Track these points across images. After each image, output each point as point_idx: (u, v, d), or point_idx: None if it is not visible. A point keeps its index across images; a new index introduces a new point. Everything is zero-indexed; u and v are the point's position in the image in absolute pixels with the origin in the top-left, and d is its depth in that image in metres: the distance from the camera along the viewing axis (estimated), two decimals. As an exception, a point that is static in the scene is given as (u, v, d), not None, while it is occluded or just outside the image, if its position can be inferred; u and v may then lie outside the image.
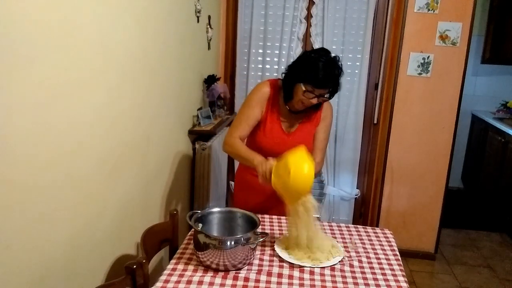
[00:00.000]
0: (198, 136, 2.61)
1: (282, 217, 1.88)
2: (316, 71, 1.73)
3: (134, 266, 1.35)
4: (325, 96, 1.79)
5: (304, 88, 1.75)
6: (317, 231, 1.62)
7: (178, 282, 1.38)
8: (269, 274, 1.44)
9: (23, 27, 1.06)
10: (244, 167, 2.00)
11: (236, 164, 3.57)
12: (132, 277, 1.36)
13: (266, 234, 1.54)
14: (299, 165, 1.54)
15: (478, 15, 4.23)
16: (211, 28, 2.84)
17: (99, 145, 1.50)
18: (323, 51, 1.79)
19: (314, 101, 1.78)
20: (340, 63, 1.79)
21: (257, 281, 1.40)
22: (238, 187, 2.08)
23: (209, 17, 2.81)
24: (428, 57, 2.93)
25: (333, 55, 1.79)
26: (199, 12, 2.55)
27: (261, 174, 1.66)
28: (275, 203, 1.92)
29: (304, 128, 1.92)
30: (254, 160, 1.73)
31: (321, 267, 1.49)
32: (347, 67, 3.27)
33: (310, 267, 1.49)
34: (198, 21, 2.58)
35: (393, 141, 3.11)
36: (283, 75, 1.88)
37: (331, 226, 1.84)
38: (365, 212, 3.43)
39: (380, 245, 1.70)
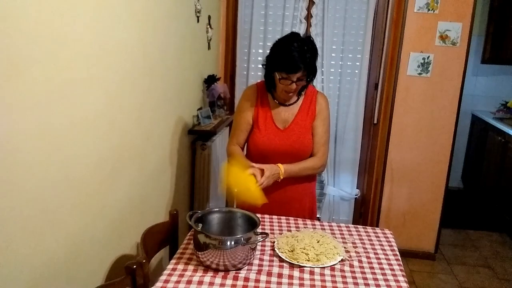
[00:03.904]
0: (198, 136, 2.61)
1: (282, 217, 1.88)
2: (285, 57, 1.74)
3: (134, 266, 1.35)
4: (303, 80, 1.79)
5: (279, 76, 1.78)
6: (324, 236, 1.63)
7: (178, 282, 1.38)
8: (269, 274, 1.44)
9: (23, 27, 1.06)
10: None
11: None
12: (132, 277, 1.36)
13: (266, 234, 1.54)
14: (239, 187, 1.68)
15: (478, 15, 4.23)
16: (211, 28, 2.84)
17: (99, 145, 1.50)
18: (293, 36, 1.80)
19: (293, 86, 1.78)
20: (312, 44, 1.79)
21: (257, 281, 1.40)
22: None
23: (209, 17, 2.81)
24: (428, 57, 2.93)
25: (305, 36, 1.82)
26: (199, 12, 2.55)
27: None
28: (279, 205, 1.93)
29: (299, 123, 1.92)
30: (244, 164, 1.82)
31: (321, 267, 1.49)
32: (347, 67, 3.27)
33: (310, 267, 1.49)
34: (198, 21, 2.58)
35: (393, 141, 3.11)
36: (263, 66, 1.91)
37: (331, 226, 1.84)
38: (365, 212, 3.43)
39: (380, 245, 1.70)
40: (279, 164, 1.83)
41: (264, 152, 1.90)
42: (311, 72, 1.80)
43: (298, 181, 1.95)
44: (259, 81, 2.02)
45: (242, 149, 2.00)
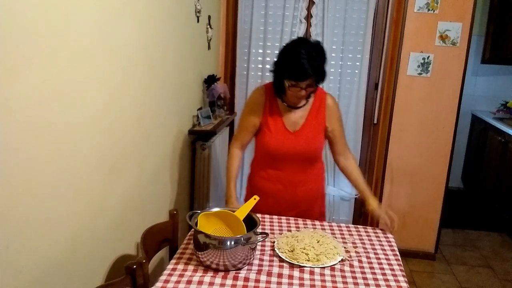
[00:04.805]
0: (198, 136, 2.61)
1: (282, 217, 1.88)
2: (294, 65, 1.71)
3: (134, 266, 1.35)
4: (312, 86, 1.78)
5: (288, 84, 1.77)
6: (324, 236, 1.63)
7: (178, 282, 1.38)
8: (269, 274, 1.44)
9: (23, 27, 1.06)
10: (255, 172, 2.02)
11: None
12: (132, 277, 1.36)
13: (266, 234, 1.54)
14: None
15: (478, 15, 4.23)
16: (211, 28, 2.84)
17: (99, 145, 1.50)
18: (301, 42, 1.77)
19: (303, 93, 1.78)
20: (320, 49, 1.76)
21: (257, 281, 1.40)
22: (250, 192, 2.06)
23: (209, 17, 2.81)
24: (428, 57, 2.93)
25: (314, 41, 1.79)
26: (199, 12, 2.55)
27: None
28: (287, 207, 1.93)
29: (309, 125, 1.91)
30: (227, 190, 1.93)
31: (321, 267, 1.49)
32: (347, 67, 3.27)
33: (310, 267, 1.49)
34: (198, 21, 2.58)
35: (393, 141, 3.11)
36: (271, 72, 1.89)
37: (331, 226, 1.84)
38: (365, 212, 3.43)
39: (380, 245, 1.70)
40: (370, 201, 1.89)
41: (274, 154, 1.90)
42: (320, 78, 1.78)
43: (308, 183, 1.96)
44: (267, 82, 2.01)
45: (244, 148, 2.01)
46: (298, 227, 1.80)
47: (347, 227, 1.84)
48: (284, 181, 1.93)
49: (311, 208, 1.99)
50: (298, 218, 1.88)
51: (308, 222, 1.85)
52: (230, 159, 1.99)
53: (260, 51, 3.33)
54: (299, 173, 1.93)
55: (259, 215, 1.69)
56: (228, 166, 1.99)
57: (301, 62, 1.69)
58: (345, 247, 1.64)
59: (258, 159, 2.01)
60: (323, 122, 1.92)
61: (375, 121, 3.27)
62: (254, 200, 1.63)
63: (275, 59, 1.85)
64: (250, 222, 1.56)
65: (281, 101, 1.90)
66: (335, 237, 1.72)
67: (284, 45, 1.83)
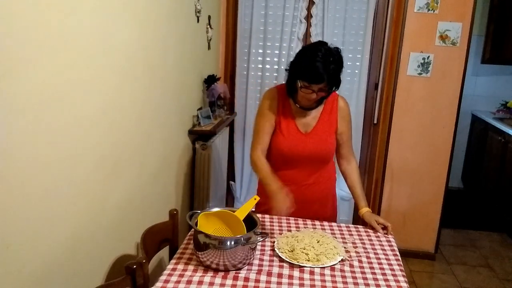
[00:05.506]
0: (198, 136, 2.61)
1: (282, 217, 1.88)
2: (309, 66, 1.72)
3: (134, 266, 1.35)
4: (324, 91, 1.77)
5: (300, 84, 1.76)
6: (324, 236, 1.63)
7: (178, 282, 1.38)
8: (269, 274, 1.44)
9: (23, 28, 1.06)
10: None
11: (237, 164, 3.57)
12: (132, 277, 1.36)
13: (266, 234, 1.54)
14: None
15: (478, 15, 4.23)
16: (211, 28, 2.84)
17: (99, 145, 1.50)
18: (320, 45, 1.76)
19: (313, 96, 1.77)
20: (338, 55, 1.77)
21: (257, 281, 1.40)
22: (261, 193, 2.04)
23: (209, 17, 2.81)
24: (428, 57, 2.93)
25: (332, 46, 1.77)
26: (199, 12, 2.55)
27: (275, 206, 1.69)
28: (299, 207, 1.92)
29: (321, 127, 1.91)
30: (270, 186, 1.76)
31: (321, 267, 1.49)
32: (347, 67, 3.28)
33: (310, 267, 1.49)
34: (198, 21, 2.58)
35: (393, 141, 3.11)
36: (286, 71, 1.88)
37: (331, 226, 1.84)
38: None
39: (380, 245, 1.70)
40: (362, 209, 1.90)
41: (286, 155, 1.90)
42: (333, 84, 1.77)
43: (319, 184, 1.97)
44: (278, 84, 2.00)
45: (265, 154, 1.94)
46: (298, 227, 1.81)
47: (347, 227, 1.84)
48: (295, 182, 1.93)
49: (322, 209, 1.98)
50: (298, 218, 1.88)
51: (308, 222, 1.86)
52: (258, 161, 1.89)
53: (260, 51, 3.33)
54: (310, 174, 1.93)
55: (259, 215, 1.69)
56: (259, 167, 1.87)
57: (316, 65, 1.70)
58: (345, 247, 1.64)
59: (269, 160, 2.00)
60: (335, 123, 1.92)
61: (375, 121, 3.27)
62: (254, 200, 1.63)
63: (292, 59, 1.83)
64: (250, 222, 1.56)
65: (294, 102, 1.90)
66: (335, 237, 1.72)
67: (303, 46, 1.82)
